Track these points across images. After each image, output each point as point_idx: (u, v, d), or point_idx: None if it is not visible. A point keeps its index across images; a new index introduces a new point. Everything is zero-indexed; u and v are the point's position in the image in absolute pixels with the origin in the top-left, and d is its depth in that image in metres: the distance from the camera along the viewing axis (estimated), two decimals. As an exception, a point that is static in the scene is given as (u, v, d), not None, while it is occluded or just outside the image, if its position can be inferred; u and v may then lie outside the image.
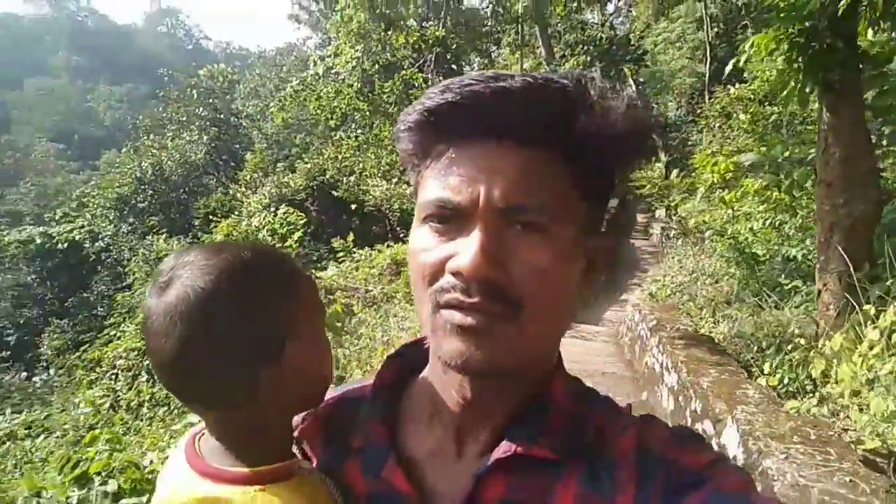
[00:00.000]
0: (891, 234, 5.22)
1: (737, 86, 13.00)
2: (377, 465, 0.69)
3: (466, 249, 0.60)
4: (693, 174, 10.17)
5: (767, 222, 7.46)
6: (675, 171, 11.93)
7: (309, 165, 22.51)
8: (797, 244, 5.84)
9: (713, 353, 4.63)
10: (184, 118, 31.44)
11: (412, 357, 0.78)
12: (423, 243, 0.65)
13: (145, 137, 32.18)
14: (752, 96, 11.87)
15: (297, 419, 0.77)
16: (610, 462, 0.64)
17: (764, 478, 2.42)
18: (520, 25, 15.30)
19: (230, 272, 0.65)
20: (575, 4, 17.32)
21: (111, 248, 27.91)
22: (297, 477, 0.69)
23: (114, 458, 4.50)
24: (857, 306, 3.68)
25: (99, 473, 4.11)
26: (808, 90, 4.20)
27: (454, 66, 25.81)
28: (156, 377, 0.71)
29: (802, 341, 4.04)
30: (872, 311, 3.56)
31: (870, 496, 2.19)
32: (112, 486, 3.93)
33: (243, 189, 25.43)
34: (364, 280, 14.19)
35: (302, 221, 14.35)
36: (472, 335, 0.60)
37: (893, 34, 3.81)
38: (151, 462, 4.22)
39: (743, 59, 4.61)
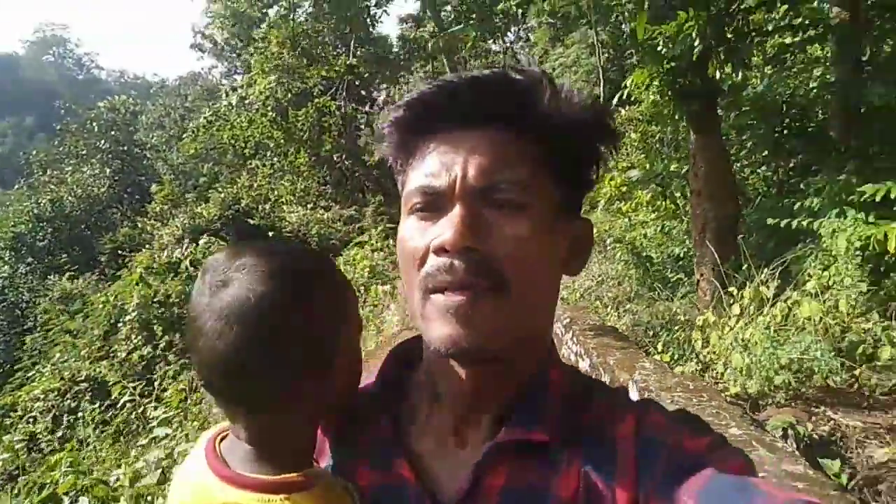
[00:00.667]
0: (755, 232, 6.31)
1: (627, 107, 14.32)
2: (384, 459, 0.71)
3: (448, 226, 0.63)
4: (593, 188, 11.24)
5: (659, 229, 8.53)
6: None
7: (223, 195, 22.37)
8: (679, 244, 6.86)
9: (618, 339, 5.44)
10: (83, 151, 30.27)
11: (412, 352, 0.78)
12: (410, 231, 0.68)
13: (40, 173, 30.73)
14: (640, 117, 13.17)
15: None
16: (610, 447, 0.64)
17: (656, 418, 3.17)
18: (431, 61, 16.22)
19: (290, 280, 0.65)
20: (481, 35, 18.47)
21: (6, 290, 26.26)
22: (320, 486, 0.68)
23: (80, 479, 4.76)
24: (722, 290, 4.59)
25: (67, 493, 4.38)
26: (676, 117, 5.15)
27: (363, 93, 26.54)
28: (197, 374, 0.70)
29: (684, 322, 4.91)
30: (735, 293, 4.47)
31: (728, 420, 2.97)
32: (83, 502, 4.23)
33: (153, 222, 24.82)
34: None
35: (223, 251, 14.47)
36: (459, 316, 0.62)
37: (735, 74, 4.79)
38: (118, 479, 4.50)
39: (625, 93, 5.54)
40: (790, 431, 3.06)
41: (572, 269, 0.72)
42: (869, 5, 6.04)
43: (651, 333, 5.58)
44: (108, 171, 29.22)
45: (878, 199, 4.14)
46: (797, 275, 4.56)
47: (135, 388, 6.26)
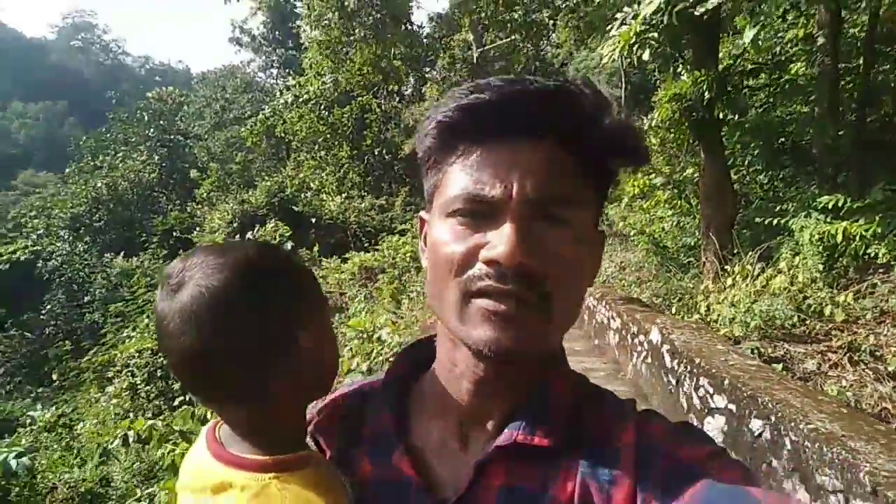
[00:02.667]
0: (746, 228, 8.09)
1: (649, 115, 16.03)
2: (386, 453, 0.73)
3: (501, 239, 0.62)
4: (616, 187, 13.02)
5: (675, 223, 10.31)
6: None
7: (269, 183, 24.32)
8: (691, 236, 8.67)
9: (642, 306, 7.23)
10: (132, 139, 32.40)
11: (422, 353, 0.80)
12: (448, 236, 0.67)
13: (89, 157, 32.84)
14: (660, 125, 14.90)
15: (312, 412, 0.80)
16: (610, 454, 0.66)
17: (672, 343, 4.96)
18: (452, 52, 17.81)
19: (240, 271, 0.67)
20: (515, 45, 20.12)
21: (65, 266, 28.31)
22: (311, 468, 0.71)
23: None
24: (719, 270, 6.41)
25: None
26: (691, 141, 6.93)
27: (394, 89, 28.33)
28: (173, 375, 0.70)
29: (692, 290, 6.72)
30: (730, 270, 6.27)
31: (717, 343, 4.76)
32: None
33: (201, 206, 26.72)
34: (337, 284, 15.90)
35: (288, 234, 16.45)
36: (503, 321, 0.63)
37: (734, 116, 6.57)
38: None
39: (649, 124, 7.33)
40: (755, 352, 4.86)
41: (592, 272, 0.74)
42: (857, 54, 7.79)
43: (667, 303, 7.38)
44: (155, 157, 31.28)
45: (830, 206, 5.94)
46: (775, 258, 6.36)
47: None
